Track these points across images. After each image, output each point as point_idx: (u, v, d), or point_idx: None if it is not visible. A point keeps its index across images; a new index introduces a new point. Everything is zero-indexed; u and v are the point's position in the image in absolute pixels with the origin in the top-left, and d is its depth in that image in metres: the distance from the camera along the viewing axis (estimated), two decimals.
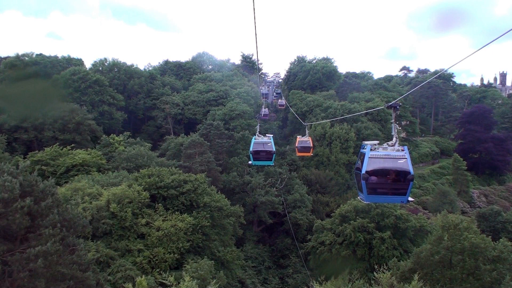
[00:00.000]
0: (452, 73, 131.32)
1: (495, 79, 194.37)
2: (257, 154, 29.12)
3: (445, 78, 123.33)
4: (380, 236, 48.01)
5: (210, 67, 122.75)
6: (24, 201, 23.01)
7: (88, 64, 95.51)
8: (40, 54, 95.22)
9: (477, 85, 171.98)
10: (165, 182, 46.65)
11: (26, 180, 24.77)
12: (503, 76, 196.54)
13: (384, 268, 29.53)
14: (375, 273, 29.08)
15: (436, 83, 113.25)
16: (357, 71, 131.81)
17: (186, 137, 68.76)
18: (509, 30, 9.32)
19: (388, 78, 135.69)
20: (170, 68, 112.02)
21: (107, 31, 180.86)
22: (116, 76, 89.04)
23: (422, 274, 32.79)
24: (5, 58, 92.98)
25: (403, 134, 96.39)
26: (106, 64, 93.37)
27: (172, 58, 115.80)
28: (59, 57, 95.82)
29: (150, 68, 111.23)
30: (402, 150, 14.57)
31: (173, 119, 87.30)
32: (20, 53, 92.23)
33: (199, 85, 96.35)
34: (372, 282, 29.48)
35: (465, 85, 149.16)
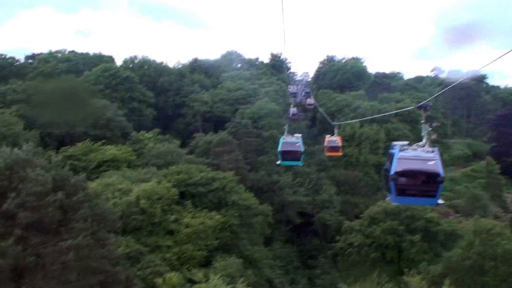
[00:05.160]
0: (485, 75, 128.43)
1: None
2: (285, 154, 28.86)
3: (477, 79, 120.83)
4: (410, 239, 47.25)
5: (239, 65, 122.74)
6: (56, 195, 23.26)
7: (119, 61, 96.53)
8: (72, 51, 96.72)
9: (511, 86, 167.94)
10: (194, 180, 46.73)
11: (58, 175, 25.05)
12: None
13: (414, 272, 29.07)
14: (404, 276, 28.68)
15: (468, 84, 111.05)
16: (387, 71, 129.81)
17: (214, 135, 68.81)
18: None
19: (419, 79, 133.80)
20: (200, 66, 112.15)
21: (136, 28, 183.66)
22: (146, 74, 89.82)
23: (453, 279, 32.21)
24: (39, 54, 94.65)
25: (434, 136, 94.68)
26: (136, 61, 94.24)
27: (202, 56, 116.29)
28: (91, 54, 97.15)
29: (180, 66, 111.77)
30: (433, 152, 14.14)
31: (202, 116, 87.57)
32: (53, 50, 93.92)
33: (228, 83, 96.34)
34: (402, 285, 29.06)
35: (498, 87, 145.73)
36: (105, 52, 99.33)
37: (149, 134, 66.32)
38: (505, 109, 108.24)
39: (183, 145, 72.59)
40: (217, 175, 48.87)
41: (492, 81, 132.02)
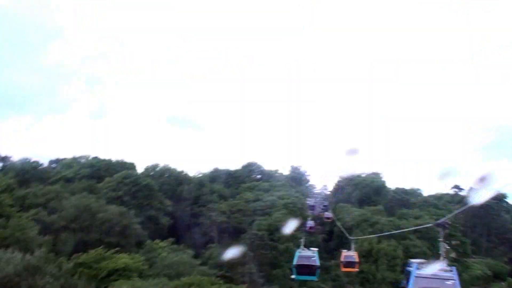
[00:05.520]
0: (505, 194, 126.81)
1: None
2: (301, 268, 28.45)
3: (497, 198, 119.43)
4: None
5: (258, 176, 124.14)
6: None
7: (141, 168, 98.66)
8: (96, 157, 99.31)
9: None
10: None
11: (67, 283, 24.92)
12: None
13: None
14: None
15: (488, 203, 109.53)
16: (407, 187, 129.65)
17: (231, 246, 68.22)
18: None
19: (438, 196, 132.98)
20: (219, 176, 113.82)
21: (161, 136, 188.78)
22: (166, 182, 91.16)
23: None
24: (63, 159, 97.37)
25: (453, 254, 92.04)
26: (157, 169, 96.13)
27: (222, 166, 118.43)
28: (113, 161, 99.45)
29: (200, 175, 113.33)
30: (450, 271, 13.98)
31: (219, 227, 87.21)
32: (77, 155, 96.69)
33: (246, 193, 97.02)
34: None
35: None
36: (128, 158, 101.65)
37: (163, 243, 66.01)
38: None
39: (197, 255, 71.78)
40: None
41: None
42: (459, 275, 14.05)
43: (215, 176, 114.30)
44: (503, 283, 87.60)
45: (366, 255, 74.75)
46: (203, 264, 65.37)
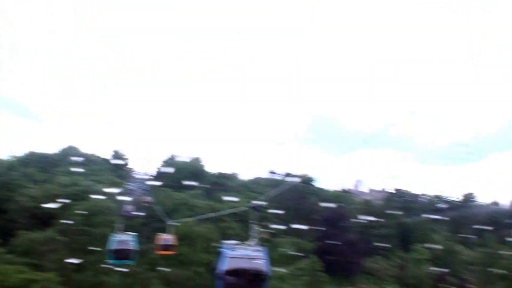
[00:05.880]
0: (312, 178, 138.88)
1: (352, 185, 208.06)
2: (116, 253, 28.69)
3: (306, 182, 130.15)
4: None
5: (77, 160, 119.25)
6: None
7: None
8: None
9: (336, 190, 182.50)
10: (10, 282, 43.69)
11: None
12: (359, 182, 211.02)
13: None
14: None
15: (297, 187, 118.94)
16: (226, 172, 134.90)
17: (41, 233, 65.33)
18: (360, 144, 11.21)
19: (256, 180, 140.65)
20: (34, 160, 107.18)
21: None
22: None
23: None
24: None
25: (265, 235, 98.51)
26: None
27: (39, 150, 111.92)
28: None
29: (12, 159, 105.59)
30: (260, 250, 15.35)
31: (30, 213, 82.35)
32: None
33: (62, 178, 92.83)
34: None
35: (324, 189, 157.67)
36: None
37: None
38: (329, 210, 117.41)
39: (4, 243, 67.42)
40: (38, 276, 46.28)
41: (319, 184, 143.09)
42: (269, 254, 15.48)
43: (29, 160, 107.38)
44: (306, 260, 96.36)
45: (183, 238, 76.63)
46: (10, 252, 61.79)
